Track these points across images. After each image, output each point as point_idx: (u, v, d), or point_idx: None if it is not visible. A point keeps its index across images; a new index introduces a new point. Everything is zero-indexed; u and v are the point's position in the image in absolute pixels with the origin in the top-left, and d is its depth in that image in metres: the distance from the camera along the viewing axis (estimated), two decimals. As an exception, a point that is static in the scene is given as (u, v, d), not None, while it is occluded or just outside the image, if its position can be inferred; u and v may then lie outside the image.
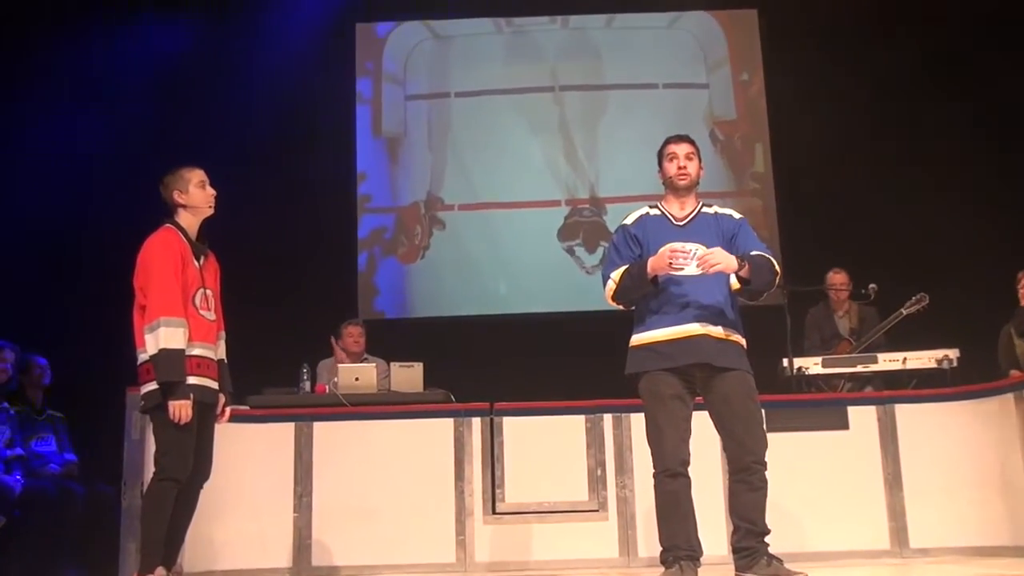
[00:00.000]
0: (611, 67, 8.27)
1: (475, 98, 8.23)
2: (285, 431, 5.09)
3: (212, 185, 4.05)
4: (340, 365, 5.58)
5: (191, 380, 3.81)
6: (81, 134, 7.36)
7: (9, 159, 7.28)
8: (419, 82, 8.27)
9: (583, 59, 8.29)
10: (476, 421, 5.15)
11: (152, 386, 3.81)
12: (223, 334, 4.09)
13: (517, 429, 5.15)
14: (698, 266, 3.66)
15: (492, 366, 6.88)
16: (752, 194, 8.06)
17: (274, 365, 5.85)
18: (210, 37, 7.79)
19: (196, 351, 3.86)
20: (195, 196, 3.99)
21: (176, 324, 3.78)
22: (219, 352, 4.04)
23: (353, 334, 6.17)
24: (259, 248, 7.16)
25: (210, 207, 4.02)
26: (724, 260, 3.67)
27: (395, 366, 5.40)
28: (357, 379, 5.33)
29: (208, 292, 3.96)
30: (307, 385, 5.53)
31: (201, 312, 3.91)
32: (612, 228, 7.73)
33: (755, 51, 8.18)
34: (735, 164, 8.12)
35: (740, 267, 3.71)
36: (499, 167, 8.14)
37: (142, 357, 3.84)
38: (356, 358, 6.07)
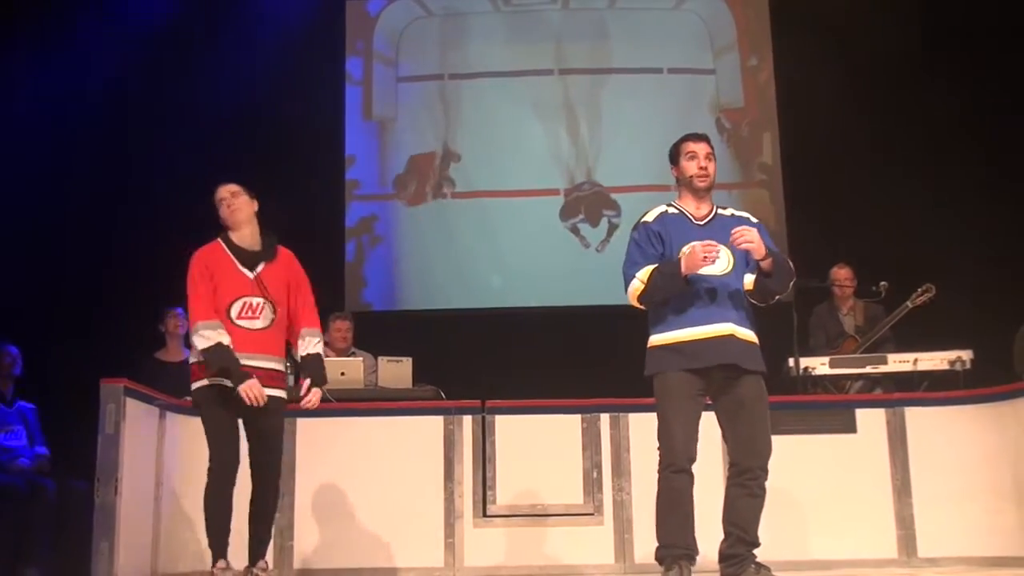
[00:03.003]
0: (614, 50, 8.07)
1: (471, 80, 8.03)
2: (267, 427, 4.94)
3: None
4: (325, 359, 5.38)
5: (204, 383, 4.04)
6: (59, 111, 7.16)
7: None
8: (412, 63, 8.07)
9: (584, 41, 8.09)
10: (467, 419, 5.05)
11: (197, 383, 4.04)
12: (310, 331, 4.27)
13: (510, 428, 5.04)
14: (732, 240, 3.67)
15: (484, 362, 6.79)
16: (759, 185, 7.88)
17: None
18: (194, 10, 7.60)
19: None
20: (222, 215, 4.19)
21: (213, 325, 3.99)
22: (306, 348, 4.25)
23: (341, 329, 6.00)
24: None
25: (231, 221, 4.17)
26: (757, 241, 3.66)
27: (383, 361, 5.31)
28: (343, 374, 5.22)
29: (256, 301, 4.10)
30: (291, 379, 5.33)
31: (237, 322, 4.05)
32: (614, 199, 7.67)
33: (765, 35, 7.99)
34: (742, 154, 7.93)
35: (766, 256, 3.69)
36: (495, 154, 7.95)
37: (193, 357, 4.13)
38: (342, 354, 5.88)
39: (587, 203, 7.86)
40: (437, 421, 5.02)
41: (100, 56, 7.37)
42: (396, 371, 5.22)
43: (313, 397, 4.21)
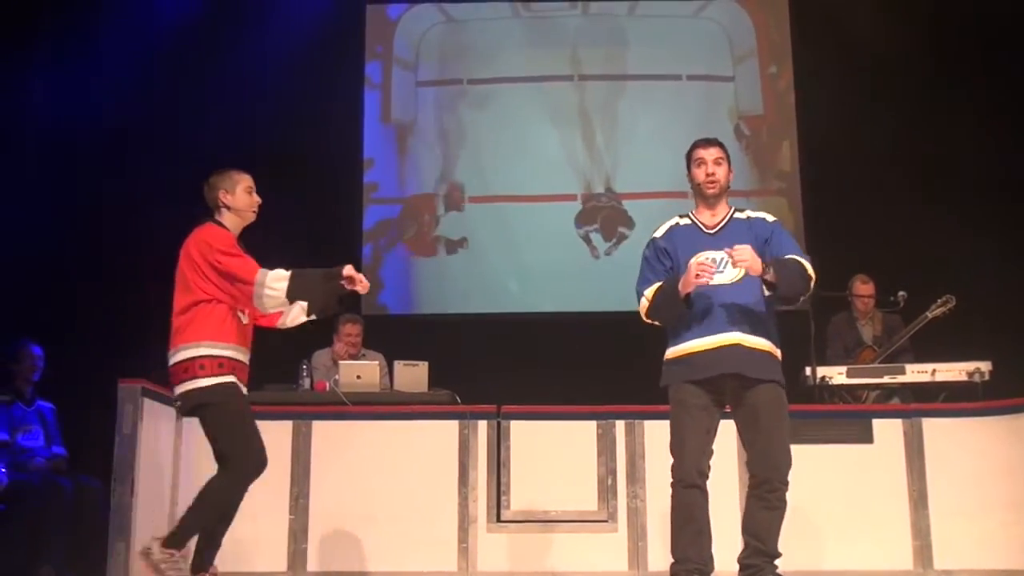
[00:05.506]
0: (633, 56, 8.05)
1: (490, 86, 8.02)
2: (283, 429, 4.97)
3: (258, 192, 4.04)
4: (342, 362, 5.43)
5: (228, 379, 3.80)
6: (79, 112, 7.17)
7: (3, 135, 7.08)
8: (431, 68, 8.07)
9: (604, 47, 8.07)
10: (482, 424, 5.03)
11: (191, 385, 3.79)
12: None
13: (525, 433, 5.02)
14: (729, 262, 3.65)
15: (500, 367, 6.74)
16: (777, 193, 7.84)
17: (272, 360, 5.63)
18: (214, 13, 7.61)
19: (228, 352, 3.84)
20: (241, 200, 4.02)
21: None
22: None
23: (351, 333, 5.93)
24: (258, 236, 6.91)
25: (254, 213, 4.05)
26: (751, 260, 3.61)
27: (399, 365, 5.28)
28: (359, 377, 5.22)
29: None
30: (307, 382, 5.42)
31: (239, 314, 3.92)
32: (632, 216, 7.67)
33: (785, 43, 7.95)
34: (760, 161, 7.91)
35: (765, 271, 3.63)
36: (513, 158, 7.94)
37: (177, 357, 3.82)
38: (352, 359, 5.84)
39: (604, 215, 7.84)
40: (452, 425, 5.00)
41: (119, 59, 7.37)
42: (412, 375, 5.19)
43: None
